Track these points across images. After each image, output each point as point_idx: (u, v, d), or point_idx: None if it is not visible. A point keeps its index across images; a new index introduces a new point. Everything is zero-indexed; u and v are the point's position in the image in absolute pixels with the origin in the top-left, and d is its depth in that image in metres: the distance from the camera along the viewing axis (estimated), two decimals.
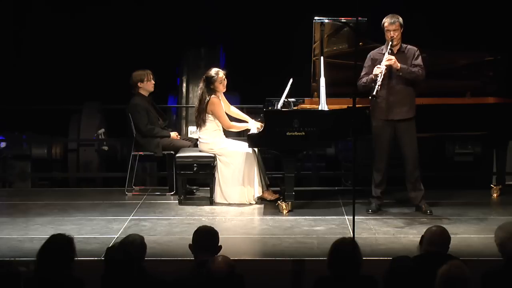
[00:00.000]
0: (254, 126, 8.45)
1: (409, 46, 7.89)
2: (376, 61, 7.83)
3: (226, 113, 8.51)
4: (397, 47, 7.82)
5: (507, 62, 8.86)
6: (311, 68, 8.48)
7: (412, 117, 7.87)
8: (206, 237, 5.14)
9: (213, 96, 8.37)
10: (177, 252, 6.59)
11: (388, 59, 7.71)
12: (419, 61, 7.84)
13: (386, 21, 7.77)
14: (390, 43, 7.74)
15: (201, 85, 8.46)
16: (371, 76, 7.77)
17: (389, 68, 7.73)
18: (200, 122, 8.43)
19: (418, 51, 7.87)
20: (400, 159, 7.96)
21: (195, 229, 5.23)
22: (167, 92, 10.95)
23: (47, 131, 11.02)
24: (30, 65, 11.39)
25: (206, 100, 8.35)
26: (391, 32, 7.74)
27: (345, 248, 4.82)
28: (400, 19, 7.76)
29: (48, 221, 7.71)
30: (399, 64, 7.73)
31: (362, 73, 7.89)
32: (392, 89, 7.80)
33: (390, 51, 7.74)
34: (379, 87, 7.66)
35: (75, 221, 7.74)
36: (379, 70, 7.68)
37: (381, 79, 7.67)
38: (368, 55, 7.93)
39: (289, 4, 10.92)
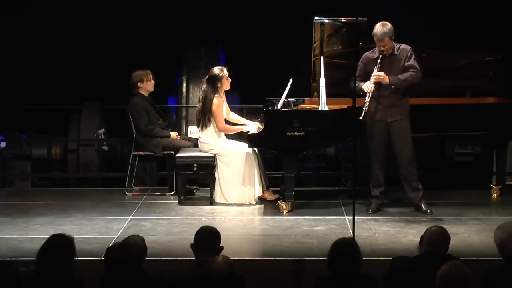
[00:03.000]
0: (253, 127, 8.44)
1: (402, 46, 7.79)
2: (368, 65, 7.79)
3: (225, 118, 8.50)
4: (389, 51, 7.76)
5: (507, 62, 8.86)
6: (311, 68, 8.47)
7: (403, 118, 7.81)
8: (208, 237, 5.13)
9: (216, 95, 8.36)
10: (177, 252, 6.59)
11: (376, 77, 7.67)
12: (411, 61, 7.73)
13: (375, 34, 7.63)
14: (381, 56, 7.70)
15: (204, 86, 8.41)
16: (360, 86, 7.72)
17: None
18: (205, 122, 8.37)
19: (411, 50, 7.76)
20: None
21: (196, 229, 5.22)
22: (167, 92, 10.95)
23: (47, 131, 11.02)
24: (30, 65, 11.38)
25: (211, 100, 8.33)
26: (381, 47, 7.68)
27: (345, 248, 4.82)
28: (389, 29, 7.60)
29: (48, 221, 7.71)
30: (388, 79, 7.67)
31: (356, 74, 7.81)
32: (383, 91, 7.77)
33: (379, 66, 7.67)
34: (366, 108, 7.66)
35: (75, 221, 7.74)
36: (368, 89, 7.65)
37: (368, 99, 7.67)
38: (362, 57, 7.86)
39: (289, 4, 10.92)
